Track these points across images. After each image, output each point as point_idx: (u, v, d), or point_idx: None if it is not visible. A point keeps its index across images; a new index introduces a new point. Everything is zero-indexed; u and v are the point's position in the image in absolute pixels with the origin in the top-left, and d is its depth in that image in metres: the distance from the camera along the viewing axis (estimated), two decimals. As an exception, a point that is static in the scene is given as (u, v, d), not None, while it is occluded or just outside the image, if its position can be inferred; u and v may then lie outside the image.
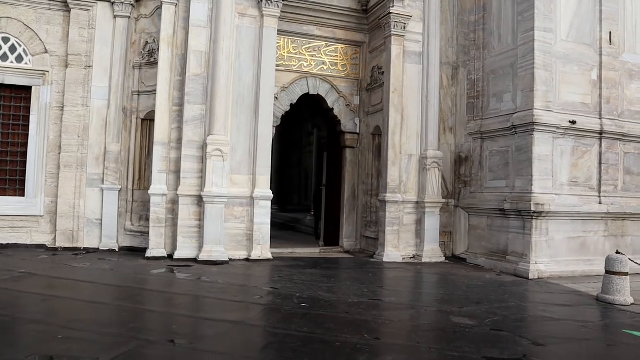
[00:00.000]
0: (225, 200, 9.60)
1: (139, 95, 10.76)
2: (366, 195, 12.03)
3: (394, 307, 6.53)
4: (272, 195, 10.07)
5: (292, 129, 24.09)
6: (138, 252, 10.02)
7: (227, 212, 9.79)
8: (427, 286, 8.52)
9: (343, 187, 12.17)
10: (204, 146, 9.61)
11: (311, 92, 11.70)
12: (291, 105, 11.58)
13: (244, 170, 9.98)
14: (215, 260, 9.37)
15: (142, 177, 10.83)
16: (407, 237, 10.89)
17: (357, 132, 12.09)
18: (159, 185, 9.73)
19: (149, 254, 9.58)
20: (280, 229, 18.67)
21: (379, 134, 11.72)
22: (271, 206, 22.51)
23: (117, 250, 10.38)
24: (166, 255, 9.64)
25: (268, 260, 9.82)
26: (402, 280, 8.67)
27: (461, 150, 11.52)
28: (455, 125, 11.70)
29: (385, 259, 10.50)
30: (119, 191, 10.57)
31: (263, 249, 9.86)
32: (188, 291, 6.98)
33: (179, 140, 9.79)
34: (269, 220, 9.95)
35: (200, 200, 9.56)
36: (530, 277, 9.07)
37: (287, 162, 26.98)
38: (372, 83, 11.87)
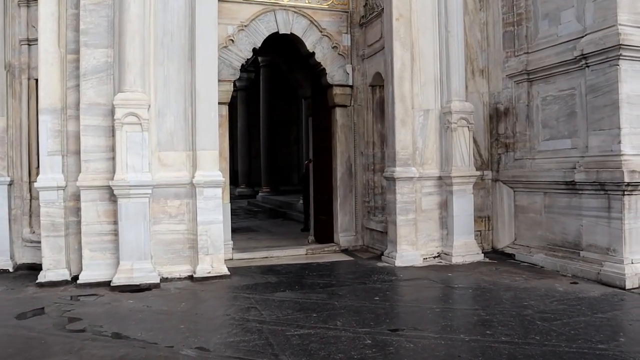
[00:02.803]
0: (150, 190, 6.32)
1: (29, 45, 7.42)
2: (367, 171, 8.69)
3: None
4: (223, 180, 6.77)
5: (288, 101, 20.72)
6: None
7: (157, 209, 6.52)
8: (474, 321, 5.18)
9: (334, 161, 8.82)
10: (113, 111, 6.29)
11: (282, 31, 8.30)
12: (254, 49, 8.21)
13: (178, 145, 6.65)
14: (138, 283, 6.14)
15: (44, 163, 7.54)
16: (429, 229, 7.58)
17: (350, 83, 8.69)
18: (50, 174, 6.45)
19: (42, 277, 6.36)
20: (269, 217, 15.47)
21: (380, 85, 8.34)
22: (262, 189, 19.48)
23: (11, 270, 7.20)
24: (69, 279, 6.41)
25: (222, 277, 6.55)
26: (428, 305, 5.36)
27: (498, 100, 8.12)
28: (488, 66, 8.27)
29: (398, 262, 7.22)
30: (9, 185, 7.32)
31: (214, 261, 6.59)
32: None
33: (79, 104, 6.48)
34: (221, 217, 6.65)
35: (113, 194, 6.29)
36: (628, 285, 5.77)
37: (284, 138, 23.72)
38: (368, 14, 8.44)
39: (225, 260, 7.50)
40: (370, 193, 8.61)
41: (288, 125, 23.24)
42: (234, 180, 25.73)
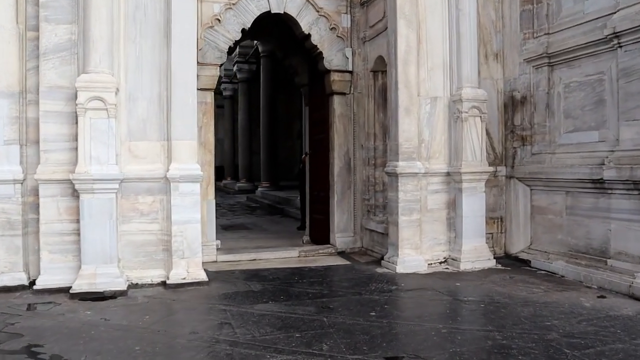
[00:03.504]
0: (117, 185, 5.54)
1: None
2: (367, 165, 7.88)
3: None
4: (202, 174, 5.97)
5: (290, 93, 19.92)
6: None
7: (126, 206, 5.76)
8: (488, 347, 4.36)
9: (332, 155, 8.02)
10: (76, 95, 5.51)
11: (274, 10, 7.48)
12: (243, 30, 7.40)
13: (151, 134, 5.87)
14: (102, 290, 5.38)
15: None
16: (435, 231, 6.78)
17: (349, 69, 7.87)
18: (7, 165, 5.67)
19: (-5, 282, 5.63)
20: (267, 213, 14.71)
21: (382, 70, 7.52)
22: (262, 184, 18.69)
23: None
24: (27, 283, 5.67)
25: (199, 283, 5.77)
26: (433, 325, 4.54)
27: (514, 87, 7.28)
28: (503, 49, 7.43)
29: (399, 269, 6.42)
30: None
31: (190, 266, 5.81)
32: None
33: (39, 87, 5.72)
34: (198, 216, 5.86)
35: (76, 189, 5.52)
36: (667, 302, 4.96)
37: (285, 132, 22.96)
38: (370, -8, 7.62)
39: (208, 262, 6.82)
40: (371, 190, 7.80)
41: (290, 119, 22.47)
42: (234, 175, 25.01)
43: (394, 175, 6.60)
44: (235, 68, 24.14)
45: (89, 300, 5.20)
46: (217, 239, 7.35)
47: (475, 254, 6.64)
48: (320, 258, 7.51)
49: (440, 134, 6.87)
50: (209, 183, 7.21)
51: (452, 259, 6.71)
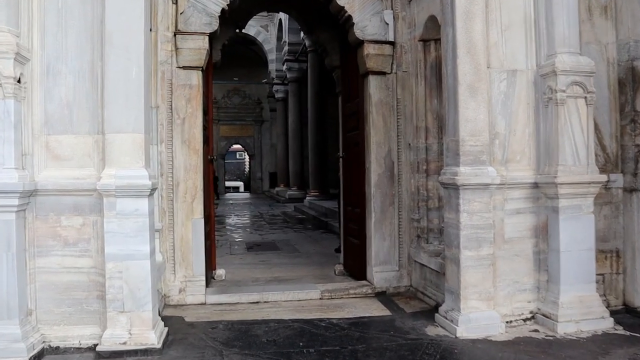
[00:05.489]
0: (17, 201, 3.62)
1: None
2: (416, 172, 5.65)
3: None
4: (150, 183, 3.91)
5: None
6: None
7: (43, 230, 3.88)
8: None
9: (368, 158, 5.86)
10: (-34, 69, 3.70)
11: (286, -39, 5.48)
12: (243, -10, 5.45)
13: (80, 123, 3.94)
14: (-6, 365, 3.53)
15: None
16: (516, 271, 4.47)
17: (390, 39, 5.68)
18: None
19: None
20: (310, 227, 12.74)
21: (436, 39, 5.31)
22: (310, 192, 16.75)
23: None
24: None
25: (146, 352, 3.77)
26: None
27: (636, 54, 4.87)
28: (615, 1, 5.04)
29: (462, 331, 4.17)
30: None
31: (135, 324, 3.81)
32: None
33: None
34: (147, 248, 3.84)
35: (-31, 208, 3.70)
36: None
37: (338, 134, 20.97)
38: None
39: (192, 305, 4.99)
40: (422, 207, 5.58)
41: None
42: (287, 182, 23.29)
43: (453, 188, 4.38)
44: (284, 67, 22.52)
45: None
46: (226, 264, 5.67)
47: (581, 309, 4.30)
48: (349, 302, 5.37)
49: (522, 126, 4.58)
50: (195, 196, 5.29)
51: (544, 316, 4.39)
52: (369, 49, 5.60)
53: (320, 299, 5.48)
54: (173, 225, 5.24)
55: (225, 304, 5.28)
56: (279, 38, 23.34)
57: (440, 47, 5.19)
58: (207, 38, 5.28)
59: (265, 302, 5.36)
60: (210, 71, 6.24)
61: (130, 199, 3.78)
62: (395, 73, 5.72)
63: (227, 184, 37.79)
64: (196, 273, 5.28)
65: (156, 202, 4.77)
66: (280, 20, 22.39)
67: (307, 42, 16.99)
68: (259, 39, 25.61)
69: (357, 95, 6.11)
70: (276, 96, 26.33)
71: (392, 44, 5.68)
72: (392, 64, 5.71)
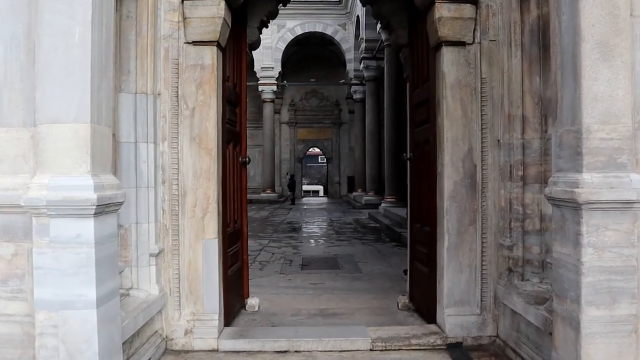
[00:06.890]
0: None
1: None
2: (507, 179, 4.02)
3: None
4: (96, 196, 2.61)
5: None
6: None
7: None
8: None
9: (440, 159, 4.33)
10: None
11: None
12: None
13: (12, 112, 2.78)
14: None
15: None
16: (673, 342, 2.80)
17: (471, -3, 4.16)
18: None
19: None
20: (381, 238, 11.29)
21: (539, -10, 3.70)
22: (385, 198, 15.20)
23: None
24: None
25: None
26: None
27: None
28: None
29: None
30: None
31: (76, 403, 2.61)
32: None
33: None
34: (93, 293, 2.60)
35: None
36: None
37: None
38: None
39: (202, 352, 3.68)
40: (516, 229, 3.95)
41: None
42: (364, 186, 21.94)
43: (570, 206, 2.77)
44: (362, 66, 21.28)
45: None
46: (269, 287, 4.70)
47: None
48: (409, 358, 3.88)
49: (683, 109, 2.88)
50: (207, 210, 4.03)
51: None
52: (441, 11, 4.07)
53: (371, 350, 4.03)
54: (178, 248, 4.03)
55: (243, 352, 3.97)
56: (357, 36, 22.26)
57: (545, 2, 3.59)
58: (223, 3, 4.01)
59: (296, 351, 4.00)
60: (244, 54, 5.04)
61: (68, 219, 2.54)
62: (479, 43, 4.14)
63: (307, 187, 36.96)
64: (207, 309, 4.03)
65: (149, 219, 3.57)
66: (357, 17, 21.21)
67: (383, 37, 15.64)
68: (337, 37, 24.63)
69: (428, 77, 4.60)
70: (354, 97, 25.28)
71: (475, 2, 4.12)
72: (474, 30, 4.14)
